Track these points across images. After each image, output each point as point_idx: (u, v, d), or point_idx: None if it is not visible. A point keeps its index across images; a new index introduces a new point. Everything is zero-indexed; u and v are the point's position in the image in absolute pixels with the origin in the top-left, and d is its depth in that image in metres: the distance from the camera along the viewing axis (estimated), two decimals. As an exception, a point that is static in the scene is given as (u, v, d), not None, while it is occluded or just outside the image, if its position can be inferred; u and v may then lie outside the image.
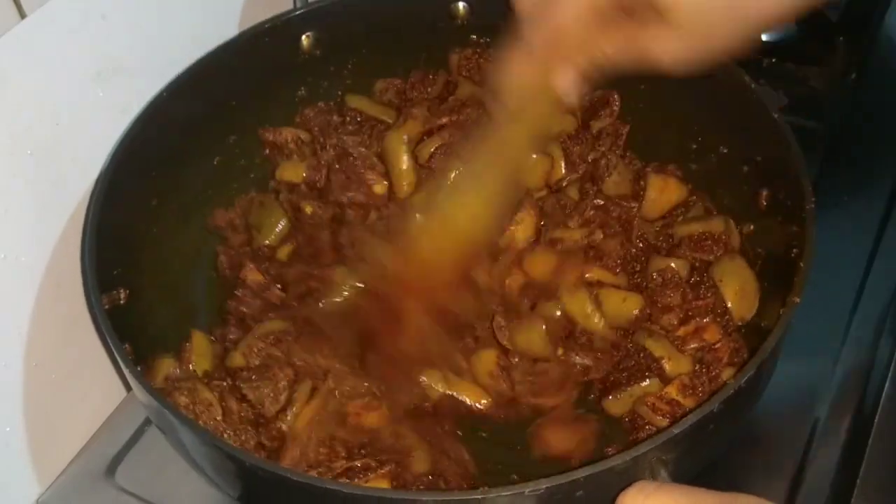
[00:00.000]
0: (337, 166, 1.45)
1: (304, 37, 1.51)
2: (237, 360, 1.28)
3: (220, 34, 1.46)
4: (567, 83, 1.08)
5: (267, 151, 1.52)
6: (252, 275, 1.36)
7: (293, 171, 1.47)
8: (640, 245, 1.36)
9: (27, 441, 1.30)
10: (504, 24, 1.53)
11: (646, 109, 1.49)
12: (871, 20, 1.79)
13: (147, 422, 1.37)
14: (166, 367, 1.25)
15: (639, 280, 1.35)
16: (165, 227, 1.41)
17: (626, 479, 0.99)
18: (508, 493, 0.96)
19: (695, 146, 1.45)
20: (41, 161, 1.24)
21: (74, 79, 1.28)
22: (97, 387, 1.40)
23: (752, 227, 1.34)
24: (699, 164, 1.44)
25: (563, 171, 1.43)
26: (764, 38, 1.73)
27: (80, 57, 1.28)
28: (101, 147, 1.32)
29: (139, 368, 1.13)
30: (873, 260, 1.48)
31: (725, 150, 1.40)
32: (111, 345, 1.13)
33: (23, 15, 1.18)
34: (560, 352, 1.29)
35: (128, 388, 1.44)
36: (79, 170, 1.31)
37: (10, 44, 1.17)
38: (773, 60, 1.70)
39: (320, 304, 1.34)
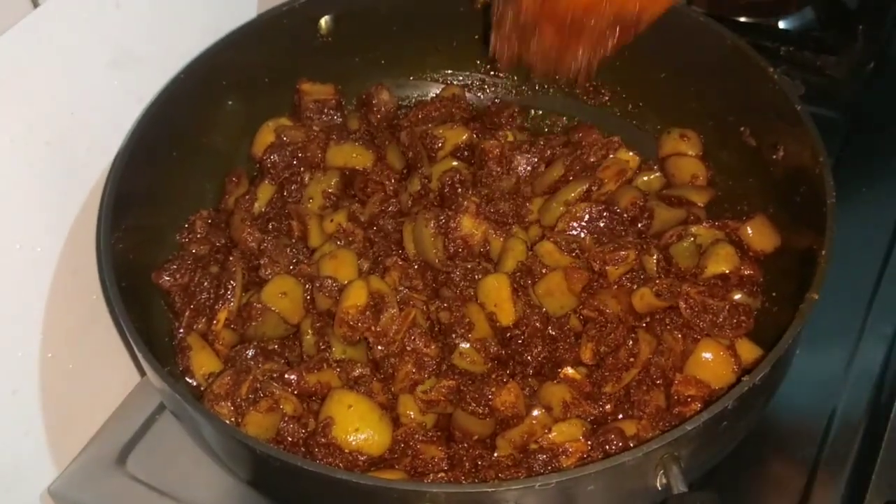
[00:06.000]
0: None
1: (322, 20, 1.51)
2: None
3: (235, 23, 1.45)
4: None
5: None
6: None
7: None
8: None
9: (42, 429, 1.31)
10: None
11: (670, 103, 1.49)
12: (890, 8, 1.77)
13: (158, 411, 1.38)
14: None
15: None
16: (182, 208, 1.42)
17: (638, 474, 0.99)
18: (519, 486, 0.96)
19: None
20: (57, 150, 1.25)
21: (89, 68, 1.27)
22: (111, 376, 1.41)
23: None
24: (728, 153, 1.44)
25: None
26: (781, 25, 1.72)
27: (94, 46, 1.27)
28: (116, 136, 1.33)
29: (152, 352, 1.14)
30: (892, 251, 1.46)
31: (754, 143, 1.39)
32: (124, 327, 1.14)
33: (36, 4, 1.18)
34: None
35: (142, 373, 1.44)
36: (94, 159, 1.31)
37: (24, 33, 1.17)
38: (791, 49, 1.68)
39: None
